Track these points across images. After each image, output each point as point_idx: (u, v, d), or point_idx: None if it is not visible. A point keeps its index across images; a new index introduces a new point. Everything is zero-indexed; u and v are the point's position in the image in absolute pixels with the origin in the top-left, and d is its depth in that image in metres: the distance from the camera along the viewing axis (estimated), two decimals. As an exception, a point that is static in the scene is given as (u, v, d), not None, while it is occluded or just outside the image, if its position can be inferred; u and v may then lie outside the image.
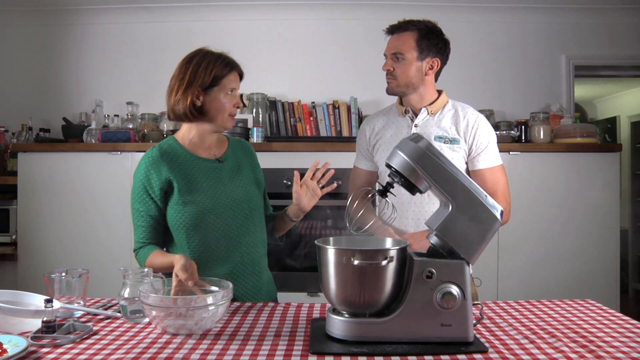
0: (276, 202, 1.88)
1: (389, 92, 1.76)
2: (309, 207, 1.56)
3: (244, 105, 2.06)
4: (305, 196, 1.54)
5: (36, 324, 1.15)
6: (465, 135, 1.70)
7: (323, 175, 1.56)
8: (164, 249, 1.58)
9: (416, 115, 1.75)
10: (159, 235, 1.56)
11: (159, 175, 1.51)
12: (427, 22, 1.72)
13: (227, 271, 1.52)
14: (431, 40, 1.70)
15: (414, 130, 1.74)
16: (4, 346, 1.00)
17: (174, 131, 3.01)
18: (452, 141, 1.69)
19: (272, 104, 3.24)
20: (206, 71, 1.50)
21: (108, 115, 3.31)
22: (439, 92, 1.78)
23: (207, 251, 1.51)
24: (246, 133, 2.93)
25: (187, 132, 1.59)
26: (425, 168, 1.10)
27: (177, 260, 1.33)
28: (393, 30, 1.73)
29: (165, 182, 1.51)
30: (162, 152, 1.55)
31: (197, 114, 1.52)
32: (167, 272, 1.50)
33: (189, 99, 1.49)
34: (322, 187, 1.56)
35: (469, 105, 1.78)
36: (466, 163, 1.72)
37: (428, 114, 1.74)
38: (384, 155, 1.76)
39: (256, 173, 1.68)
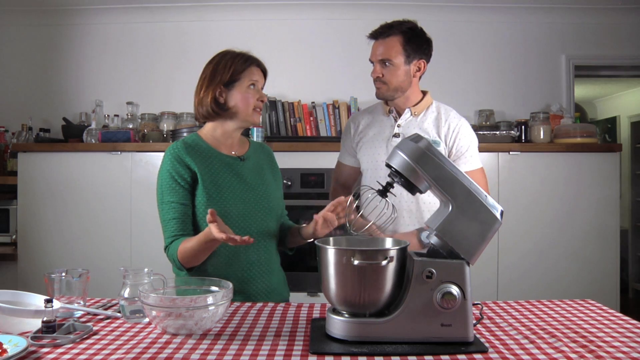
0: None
1: (380, 97, 1.79)
2: (323, 234, 1.49)
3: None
4: (322, 225, 1.48)
5: (36, 324, 1.15)
6: (446, 139, 1.72)
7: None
8: None
9: (400, 115, 1.77)
10: (191, 226, 1.53)
11: (185, 165, 1.52)
12: (408, 23, 1.73)
13: (242, 269, 1.53)
14: (416, 42, 1.71)
15: (396, 130, 1.75)
16: (4, 346, 1.00)
17: (173, 131, 3.02)
18: (434, 143, 1.69)
19: (272, 104, 3.24)
20: (225, 68, 1.55)
21: (108, 115, 3.31)
22: (424, 93, 1.80)
23: (225, 247, 1.50)
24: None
25: (211, 129, 1.62)
26: (425, 168, 1.10)
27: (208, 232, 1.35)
28: (377, 35, 1.74)
29: (192, 173, 1.52)
30: (186, 145, 1.56)
31: (220, 110, 1.56)
32: (204, 252, 1.47)
33: (210, 96, 1.54)
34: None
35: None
36: None
37: (411, 114, 1.76)
38: (367, 152, 1.81)
39: (275, 176, 1.70)
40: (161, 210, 1.53)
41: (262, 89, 1.62)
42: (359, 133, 1.86)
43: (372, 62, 1.77)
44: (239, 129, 1.62)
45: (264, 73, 1.63)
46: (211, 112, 1.56)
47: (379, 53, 1.72)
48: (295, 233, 1.64)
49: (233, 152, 1.62)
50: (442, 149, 1.71)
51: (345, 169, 1.92)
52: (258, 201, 1.57)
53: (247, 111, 1.56)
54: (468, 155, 1.72)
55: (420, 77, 1.79)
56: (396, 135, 1.74)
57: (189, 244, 1.46)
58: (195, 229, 1.54)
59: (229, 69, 1.54)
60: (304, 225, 1.59)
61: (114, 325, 1.24)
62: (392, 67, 1.70)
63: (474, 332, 1.11)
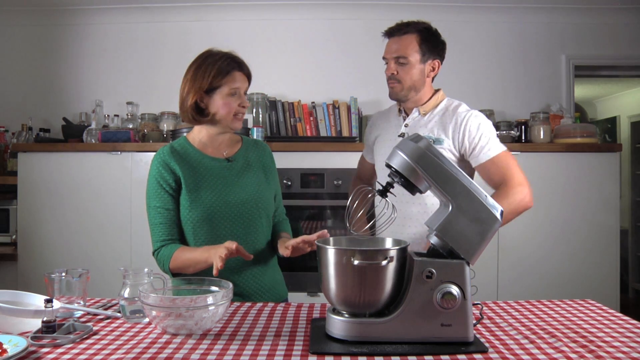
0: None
1: (393, 97, 1.75)
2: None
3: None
4: (293, 252, 1.50)
5: (36, 324, 1.15)
6: (454, 134, 1.65)
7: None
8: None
9: (408, 115, 1.76)
10: (178, 231, 1.55)
11: (170, 170, 1.54)
12: (424, 23, 1.71)
13: (233, 269, 1.53)
14: (432, 42, 1.69)
15: (402, 130, 1.74)
16: (4, 346, 1.00)
17: (173, 131, 3.02)
18: (436, 141, 1.66)
19: (272, 104, 3.24)
20: (205, 74, 1.52)
21: (108, 115, 3.31)
22: (436, 91, 1.76)
23: None
24: (246, 133, 2.93)
25: (197, 132, 1.63)
26: (425, 168, 1.10)
27: (214, 247, 1.39)
28: (393, 32, 1.71)
29: (176, 177, 1.54)
30: (172, 149, 1.58)
31: (200, 116, 1.56)
32: (197, 267, 1.47)
33: (190, 102, 1.54)
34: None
35: (466, 103, 1.74)
36: (460, 162, 1.69)
37: (419, 114, 1.74)
38: (378, 152, 1.83)
39: (268, 174, 1.67)
40: (148, 214, 1.57)
41: (245, 93, 1.58)
42: (374, 132, 1.89)
43: (385, 60, 1.72)
44: (222, 133, 1.61)
45: (248, 76, 1.59)
46: (191, 118, 1.56)
47: (394, 50, 1.68)
48: (279, 242, 1.61)
49: (224, 153, 1.62)
50: (445, 146, 1.65)
51: (366, 164, 1.97)
52: (245, 202, 1.56)
53: (227, 118, 1.55)
54: (484, 144, 1.63)
55: (433, 78, 1.75)
56: (402, 136, 1.72)
57: (186, 255, 1.48)
58: (181, 233, 1.56)
59: (209, 76, 1.51)
60: (283, 237, 1.62)
61: (114, 325, 1.24)
62: (407, 64, 1.67)
63: (474, 332, 1.11)
